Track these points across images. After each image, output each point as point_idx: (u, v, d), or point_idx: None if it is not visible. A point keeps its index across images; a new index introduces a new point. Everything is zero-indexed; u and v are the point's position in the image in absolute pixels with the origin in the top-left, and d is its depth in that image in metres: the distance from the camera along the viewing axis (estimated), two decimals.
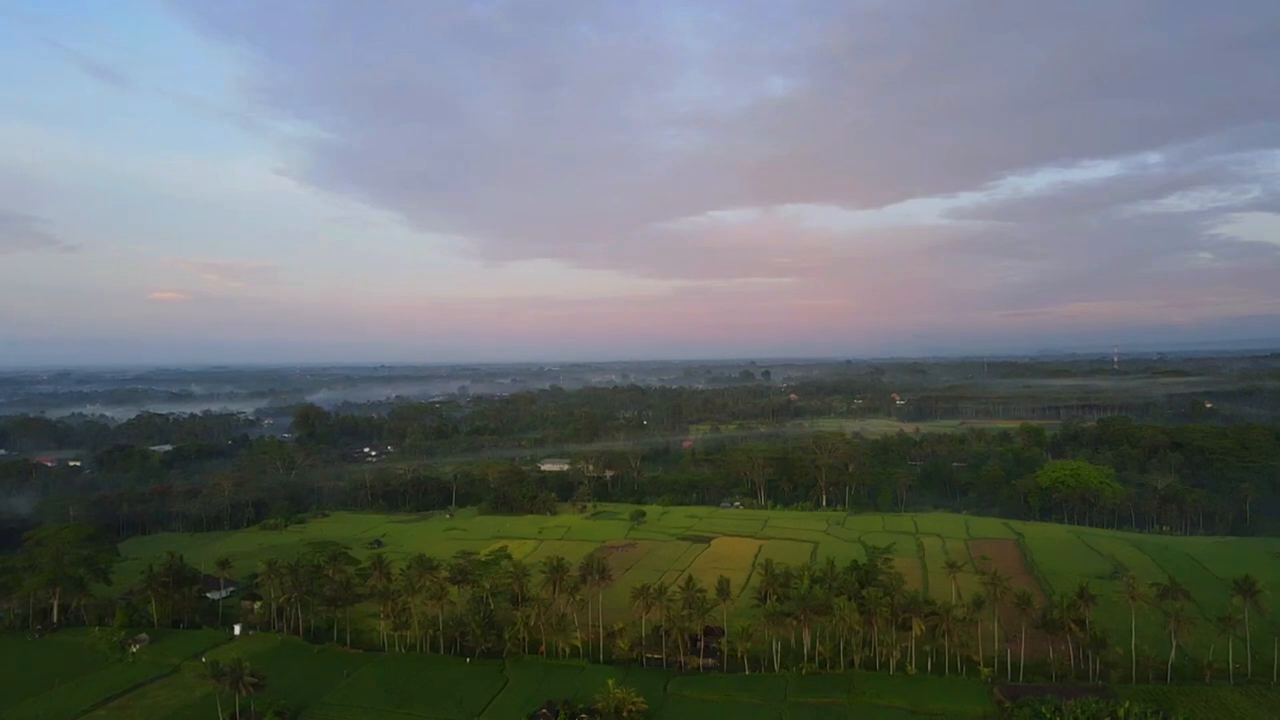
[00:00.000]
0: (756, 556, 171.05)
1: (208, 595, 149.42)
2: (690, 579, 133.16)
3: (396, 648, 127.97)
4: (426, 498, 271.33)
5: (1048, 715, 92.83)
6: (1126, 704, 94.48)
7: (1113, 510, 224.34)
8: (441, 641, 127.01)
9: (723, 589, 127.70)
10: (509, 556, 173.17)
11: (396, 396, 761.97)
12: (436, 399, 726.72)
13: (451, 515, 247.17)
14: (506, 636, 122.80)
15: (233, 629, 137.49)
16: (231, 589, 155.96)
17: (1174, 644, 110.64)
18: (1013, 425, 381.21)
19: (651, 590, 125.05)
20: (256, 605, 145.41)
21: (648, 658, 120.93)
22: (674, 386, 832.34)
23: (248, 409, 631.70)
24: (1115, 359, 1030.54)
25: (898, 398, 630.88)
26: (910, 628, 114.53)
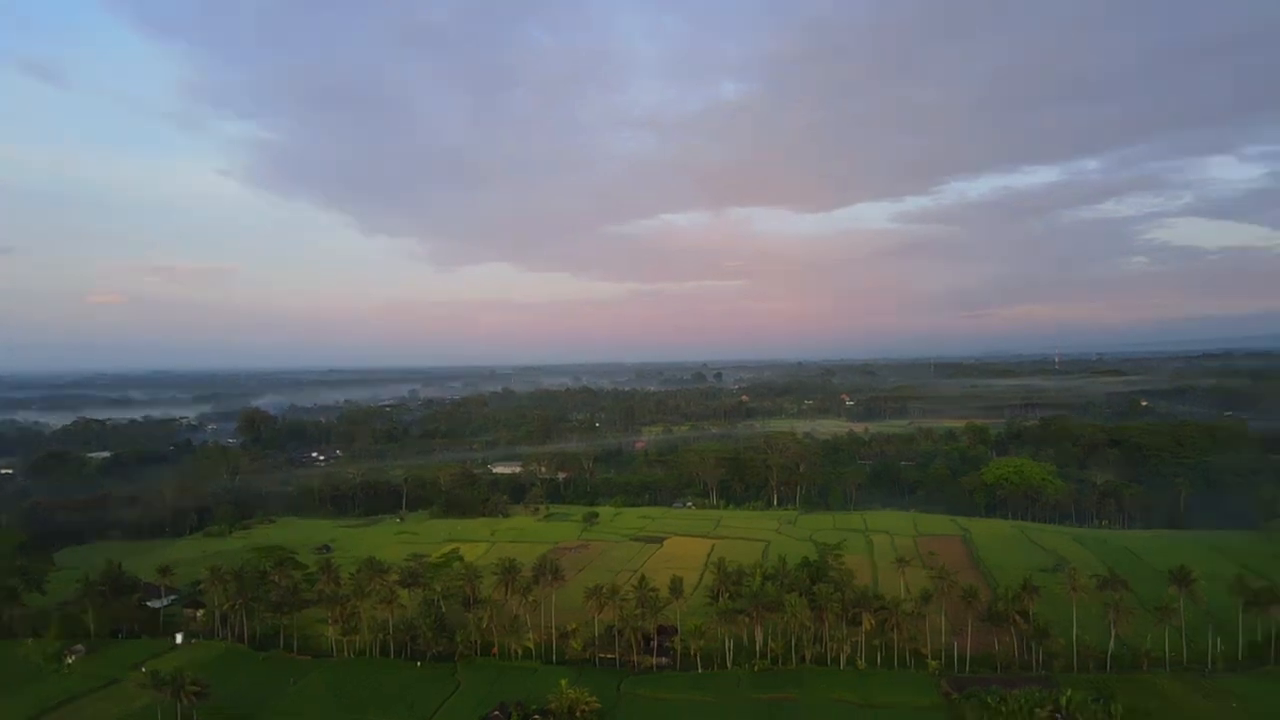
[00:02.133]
0: (709, 556, 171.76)
1: (148, 604, 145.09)
2: (643, 579, 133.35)
3: (345, 653, 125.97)
4: (376, 502, 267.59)
5: (992, 705, 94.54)
6: (1068, 693, 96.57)
7: (1055, 506, 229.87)
8: (392, 645, 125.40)
9: (675, 588, 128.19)
10: (461, 559, 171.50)
11: (346, 400, 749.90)
12: (387, 402, 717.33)
13: (402, 519, 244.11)
14: (458, 639, 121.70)
15: (174, 638, 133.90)
16: (173, 597, 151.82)
17: (1113, 634, 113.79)
18: (959, 424, 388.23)
19: (604, 590, 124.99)
20: (199, 613, 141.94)
21: (601, 657, 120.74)
22: (627, 388, 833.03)
23: (190, 414, 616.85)
24: (1056, 359, 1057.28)
25: (847, 398, 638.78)
26: (860, 623, 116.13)
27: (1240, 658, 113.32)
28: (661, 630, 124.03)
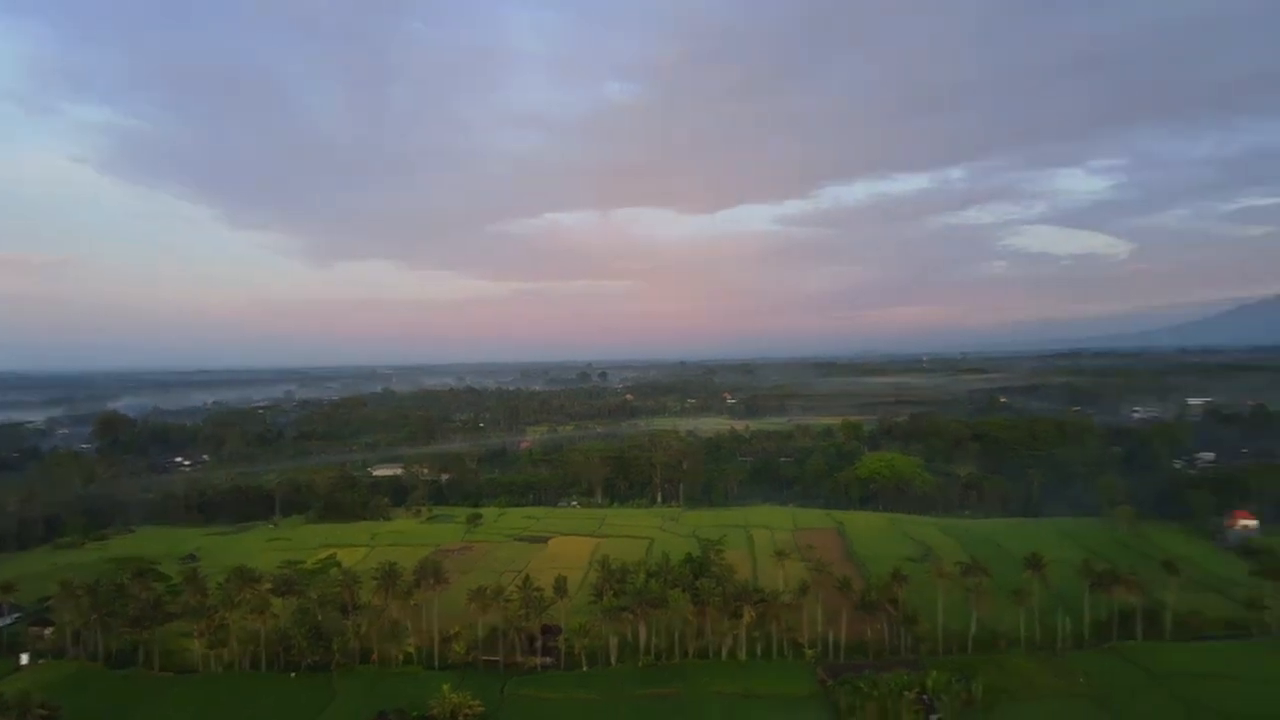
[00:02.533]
0: (594, 554, 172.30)
1: None
2: (528, 579, 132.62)
3: (213, 667, 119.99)
4: (248, 508, 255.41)
5: (865, 690, 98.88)
6: (933, 674, 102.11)
7: (923, 497, 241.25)
8: (263, 657, 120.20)
9: (560, 587, 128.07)
10: (338, 564, 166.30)
11: (214, 402, 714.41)
12: (260, 404, 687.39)
13: (275, 525, 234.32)
14: (335, 647, 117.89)
15: (19, 659, 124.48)
16: (17, 615, 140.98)
17: (974, 617, 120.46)
18: (835, 421, 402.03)
19: (488, 592, 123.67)
20: (48, 631, 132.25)
21: (484, 660, 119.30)
22: (512, 388, 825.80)
23: (38, 418, 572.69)
24: (925, 359, 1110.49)
25: (729, 397, 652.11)
26: (741, 616, 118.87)
27: (1086, 636, 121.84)
28: (546, 630, 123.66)
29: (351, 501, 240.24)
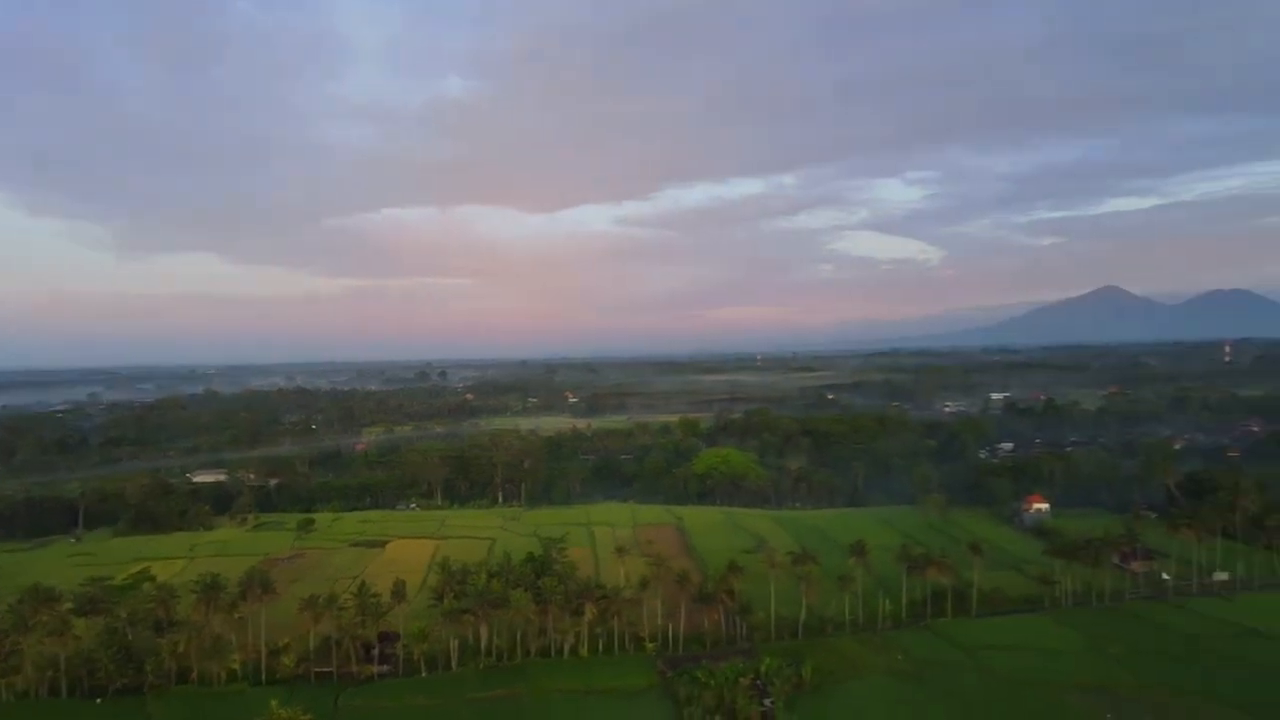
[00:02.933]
0: (434, 557, 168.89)
1: None
2: (364, 585, 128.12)
3: (4, 697, 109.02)
4: (46, 521, 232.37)
5: (702, 680, 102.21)
6: (766, 660, 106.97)
7: (757, 491, 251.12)
8: (64, 683, 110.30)
9: (398, 592, 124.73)
10: (152, 579, 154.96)
11: (3, 406, 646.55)
12: (59, 407, 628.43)
13: (78, 539, 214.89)
14: (148, 668, 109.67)
15: None
16: None
17: (804, 603, 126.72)
18: (673, 419, 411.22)
19: (321, 600, 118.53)
20: None
21: (317, 672, 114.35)
22: (346, 389, 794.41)
23: None
24: (758, 357, 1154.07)
25: (571, 396, 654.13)
26: (583, 613, 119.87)
27: (904, 616, 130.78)
28: (383, 637, 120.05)
29: (167, 511, 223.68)
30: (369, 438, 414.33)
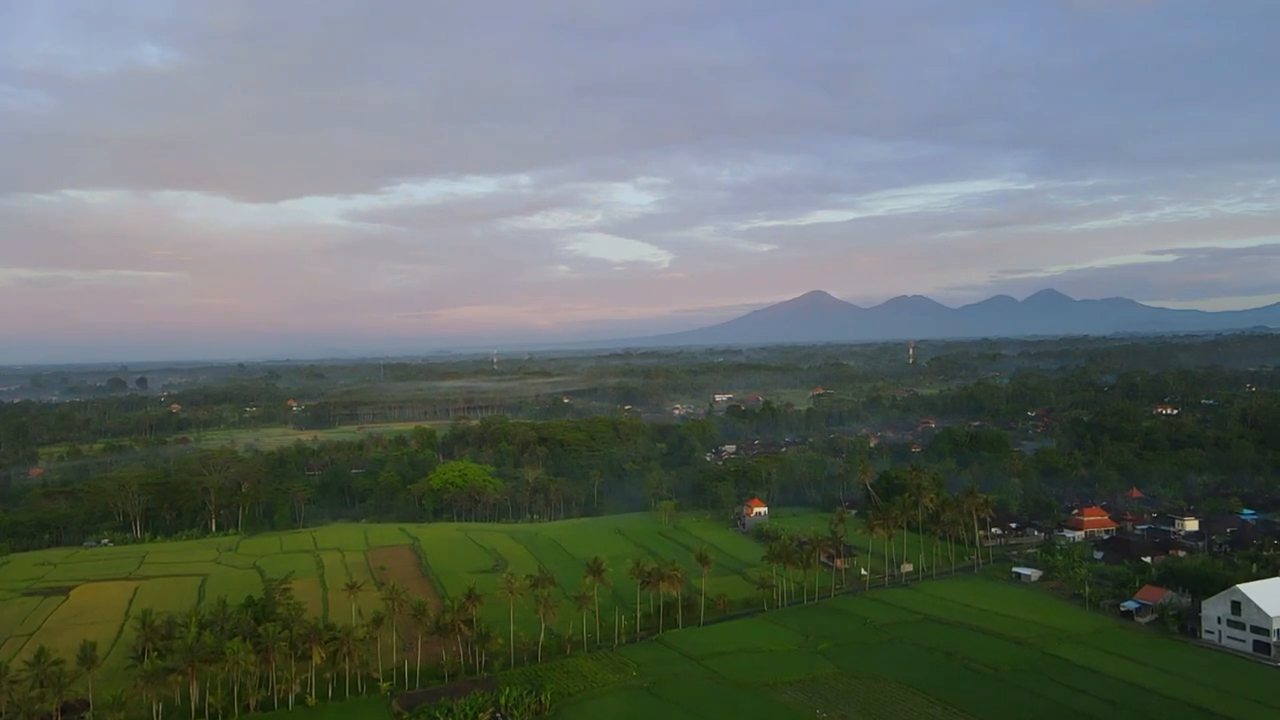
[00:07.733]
0: (132, 603, 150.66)
1: None
2: (42, 648, 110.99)
3: None
4: None
5: (440, 717, 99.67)
6: (507, 690, 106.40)
7: (495, 504, 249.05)
8: None
9: (86, 655, 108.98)
10: None
11: None
12: None
13: None
14: None
15: None
16: None
17: (543, 626, 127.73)
18: (408, 428, 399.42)
19: None
20: None
21: None
22: (17, 400, 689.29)
23: None
24: (495, 360, 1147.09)
25: (295, 404, 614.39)
26: (311, 657, 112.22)
27: (639, 630, 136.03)
28: (68, 709, 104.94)
29: None
30: (48, 462, 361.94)
